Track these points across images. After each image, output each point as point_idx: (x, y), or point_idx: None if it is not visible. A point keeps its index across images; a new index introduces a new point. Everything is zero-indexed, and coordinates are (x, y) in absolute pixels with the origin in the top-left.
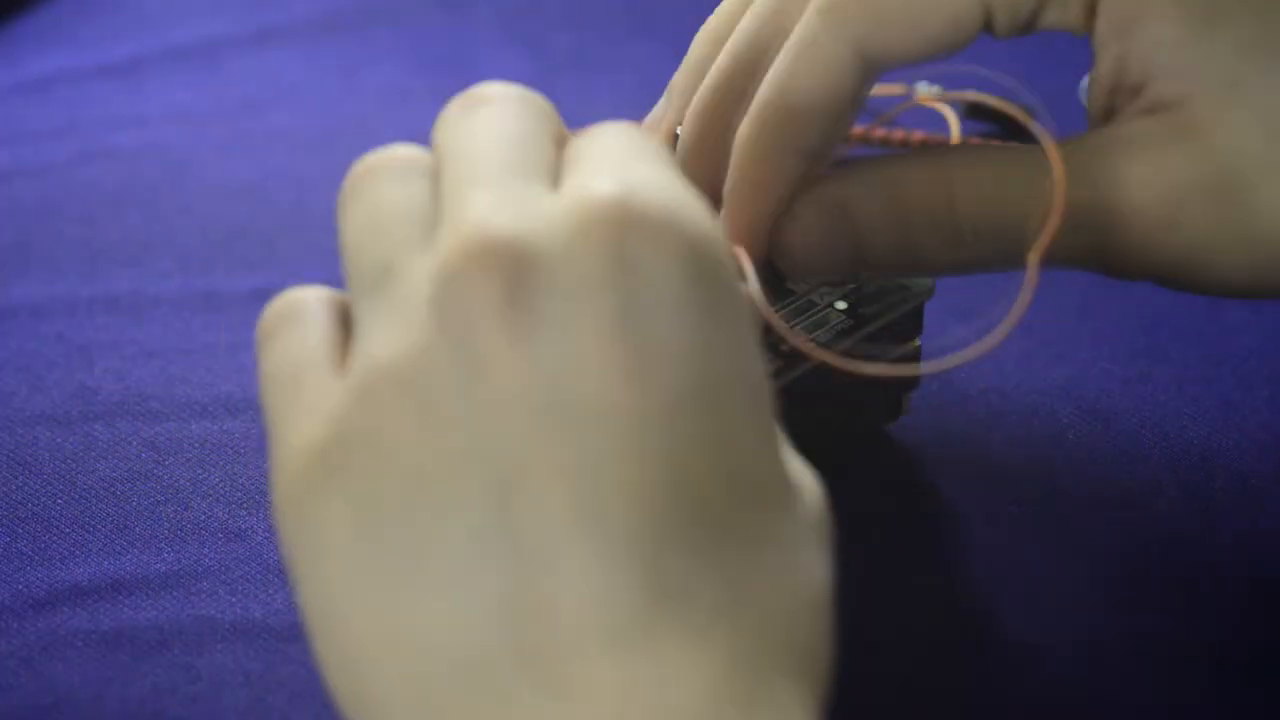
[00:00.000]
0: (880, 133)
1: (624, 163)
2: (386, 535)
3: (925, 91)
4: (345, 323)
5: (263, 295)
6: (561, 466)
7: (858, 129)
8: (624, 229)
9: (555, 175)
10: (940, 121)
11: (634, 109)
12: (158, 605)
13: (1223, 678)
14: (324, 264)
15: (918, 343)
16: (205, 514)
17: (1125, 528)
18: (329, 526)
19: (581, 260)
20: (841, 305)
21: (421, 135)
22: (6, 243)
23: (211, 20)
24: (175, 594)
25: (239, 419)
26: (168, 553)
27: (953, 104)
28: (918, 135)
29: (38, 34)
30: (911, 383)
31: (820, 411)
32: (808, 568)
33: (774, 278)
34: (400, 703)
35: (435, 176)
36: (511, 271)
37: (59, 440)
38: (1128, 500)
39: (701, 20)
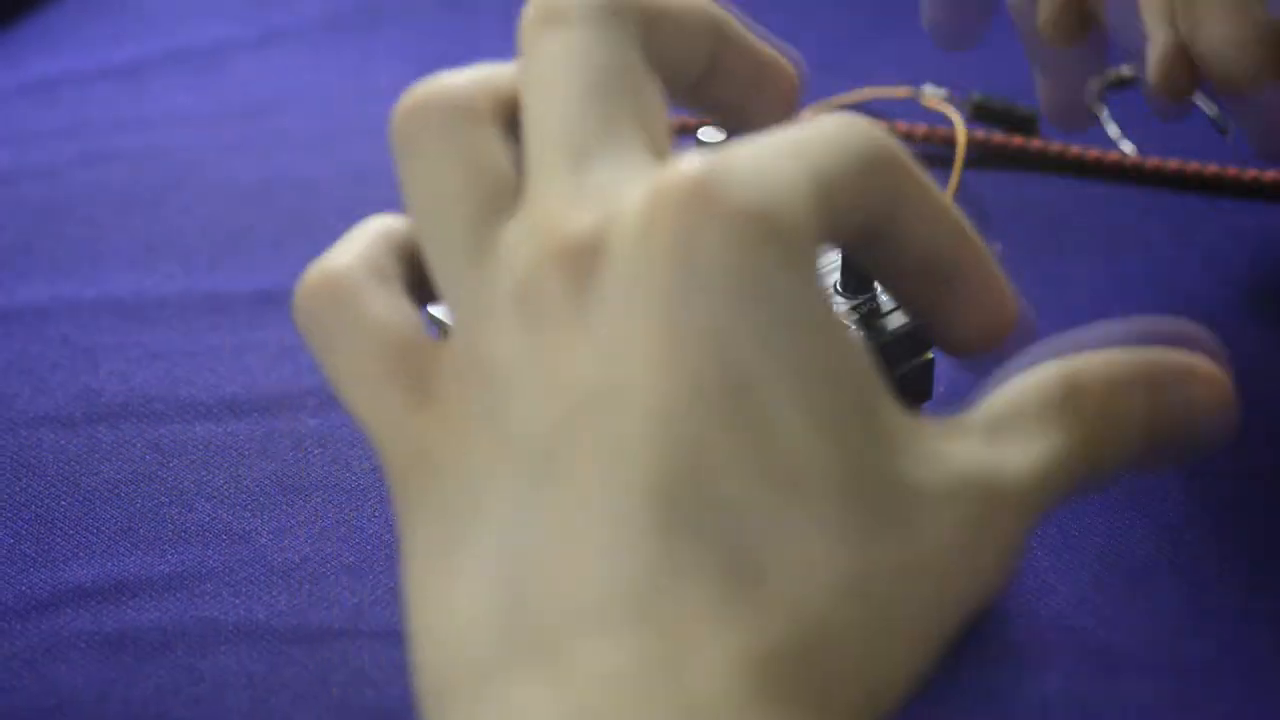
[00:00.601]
0: (884, 127)
1: (751, 144)
2: (451, 523)
3: (931, 93)
4: (407, 263)
5: (267, 297)
6: (591, 454)
7: None
8: (683, 216)
9: (645, 122)
10: (944, 121)
11: None
12: (161, 607)
13: (1224, 678)
14: None
15: (931, 355)
16: (209, 516)
17: (1128, 529)
18: (419, 512)
19: (643, 249)
20: (854, 316)
21: None
22: (10, 244)
23: (216, 21)
24: (178, 595)
25: (243, 421)
26: (171, 554)
27: (957, 106)
28: (920, 129)
29: (42, 35)
30: (923, 395)
31: None
32: (837, 561)
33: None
34: (430, 686)
35: (511, 114)
36: (584, 266)
37: (63, 442)
38: (1131, 501)
39: None
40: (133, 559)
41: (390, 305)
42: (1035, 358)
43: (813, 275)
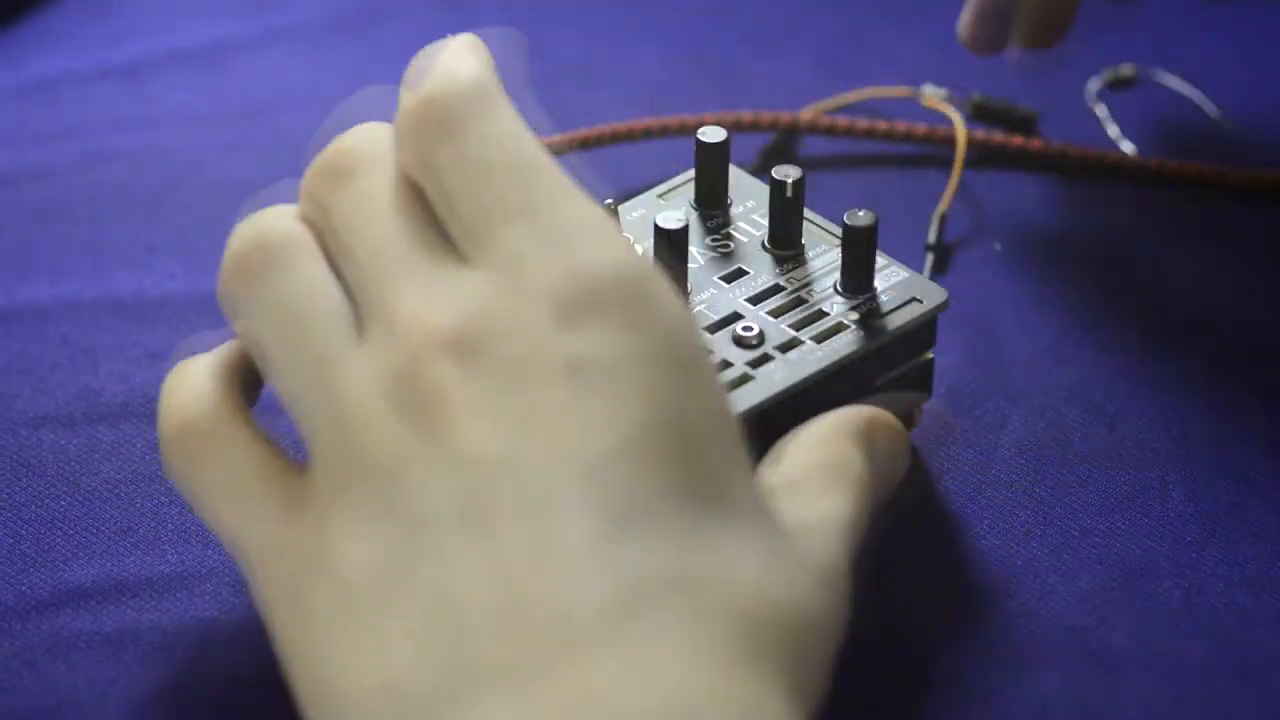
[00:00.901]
0: (884, 126)
1: (545, 214)
2: (364, 598)
3: (931, 93)
4: (245, 382)
5: None
6: (520, 505)
7: (862, 124)
8: (570, 293)
9: (441, 235)
10: (944, 121)
11: (638, 112)
12: (161, 607)
13: (1224, 678)
14: None
15: (931, 355)
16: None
17: (1131, 530)
18: (295, 610)
19: (530, 324)
20: (854, 316)
21: None
22: (10, 245)
23: (217, 21)
24: (179, 596)
25: None
26: (171, 554)
27: (957, 106)
28: (920, 129)
29: (42, 35)
30: (923, 395)
31: None
32: (794, 591)
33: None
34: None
35: (331, 258)
36: (461, 354)
37: (63, 442)
38: (1134, 503)
39: (708, 26)
40: (133, 559)
41: (250, 436)
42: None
43: (681, 311)
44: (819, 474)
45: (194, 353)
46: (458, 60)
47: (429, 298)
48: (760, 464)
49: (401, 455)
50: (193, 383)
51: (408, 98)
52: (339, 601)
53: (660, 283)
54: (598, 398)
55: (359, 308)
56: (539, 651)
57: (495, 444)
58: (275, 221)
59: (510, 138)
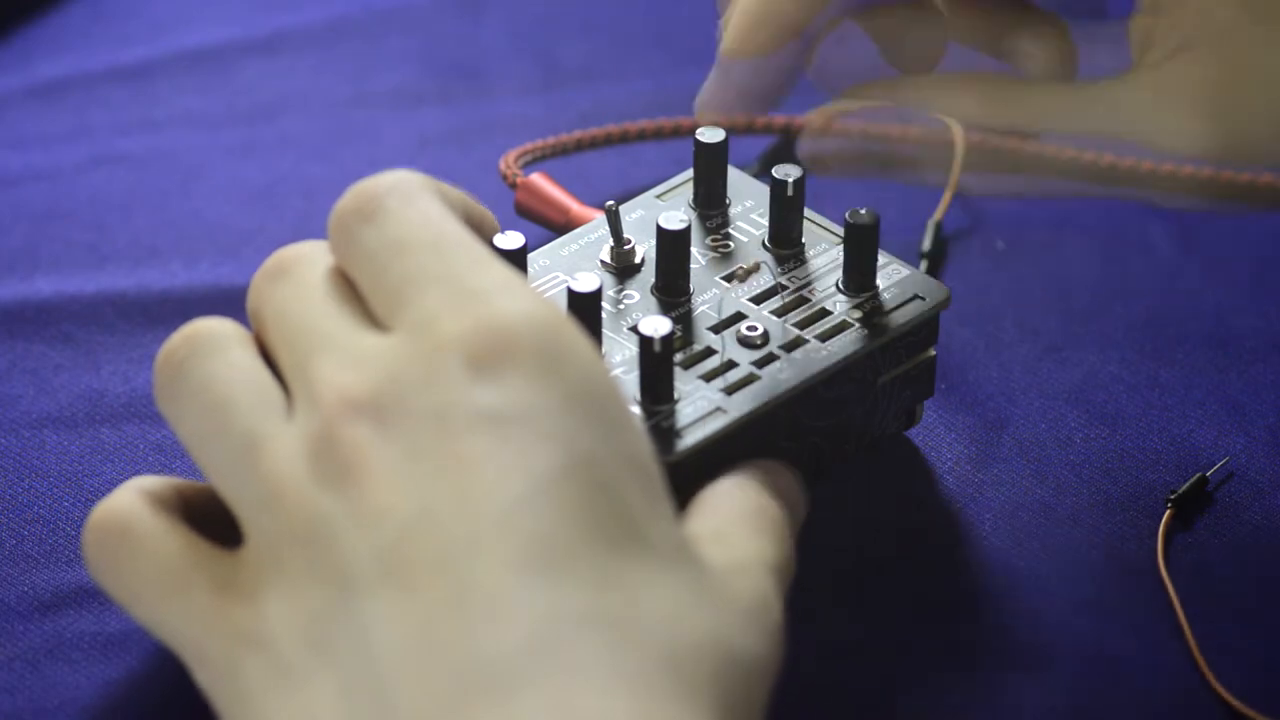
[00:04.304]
0: (879, 129)
1: (460, 278)
2: (291, 663)
3: None
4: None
5: None
6: (439, 554)
7: (858, 124)
8: (481, 345)
9: (367, 314)
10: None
11: (641, 116)
12: None
13: (1224, 678)
14: None
15: (933, 352)
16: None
17: (1133, 531)
18: (234, 690)
19: (442, 378)
20: (856, 315)
21: (429, 139)
22: (16, 246)
23: (223, 25)
24: None
25: None
26: None
27: None
28: (914, 130)
29: (50, 38)
30: (925, 392)
31: (837, 421)
32: (723, 629)
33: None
34: None
35: (260, 346)
36: (377, 415)
37: (66, 443)
38: (1135, 503)
39: (713, 30)
40: None
41: (174, 526)
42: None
43: (595, 359)
44: (742, 520)
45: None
46: (389, 171)
47: (345, 367)
48: (680, 516)
49: (324, 519)
50: (120, 491)
51: (340, 200)
52: (272, 674)
53: (573, 331)
54: (512, 445)
55: (289, 390)
56: (459, 698)
57: (411, 499)
58: (206, 321)
59: (428, 218)
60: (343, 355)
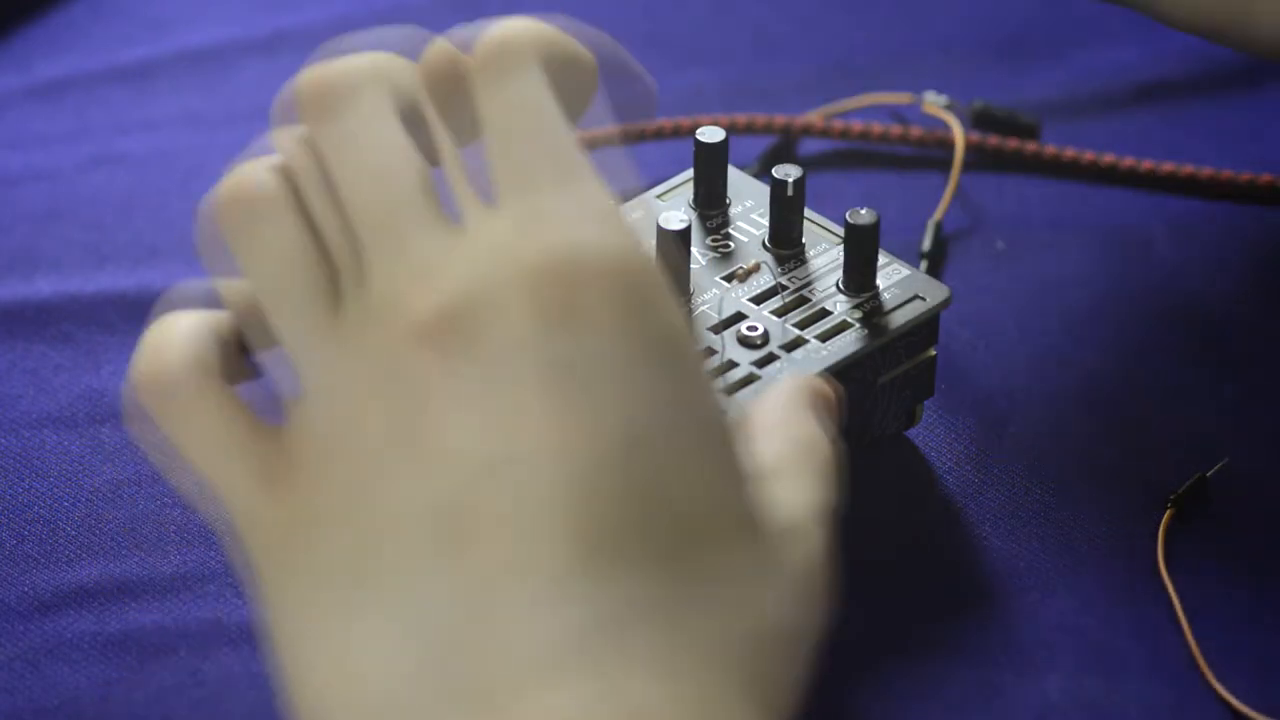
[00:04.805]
0: (878, 129)
1: (548, 190)
2: (341, 588)
3: (932, 100)
4: (233, 341)
5: None
6: (501, 516)
7: (859, 124)
8: (555, 280)
9: (435, 198)
10: (946, 128)
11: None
12: (164, 608)
13: (1224, 678)
14: None
15: (933, 352)
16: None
17: (1133, 531)
18: (290, 581)
19: (513, 316)
20: (857, 315)
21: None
22: (15, 246)
23: (223, 25)
24: (181, 597)
25: None
26: (174, 555)
27: (957, 113)
28: (915, 132)
29: (50, 38)
30: (925, 392)
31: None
32: (772, 605)
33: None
34: None
35: (326, 201)
36: (444, 343)
37: (65, 443)
38: (1137, 504)
39: (714, 31)
40: (135, 560)
41: (223, 395)
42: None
43: (675, 310)
44: (792, 458)
45: (178, 306)
46: (514, 20)
47: (416, 276)
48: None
49: (377, 447)
50: (173, 336)
51: (486, 33)
52: (311, 586)
53: (658, 278)
54: (585, 401)
55: (345, 263)
56: (512, 676)
57: (474, 445)
58: (256, 174)
59: (551, 100)
60: (415, 255)
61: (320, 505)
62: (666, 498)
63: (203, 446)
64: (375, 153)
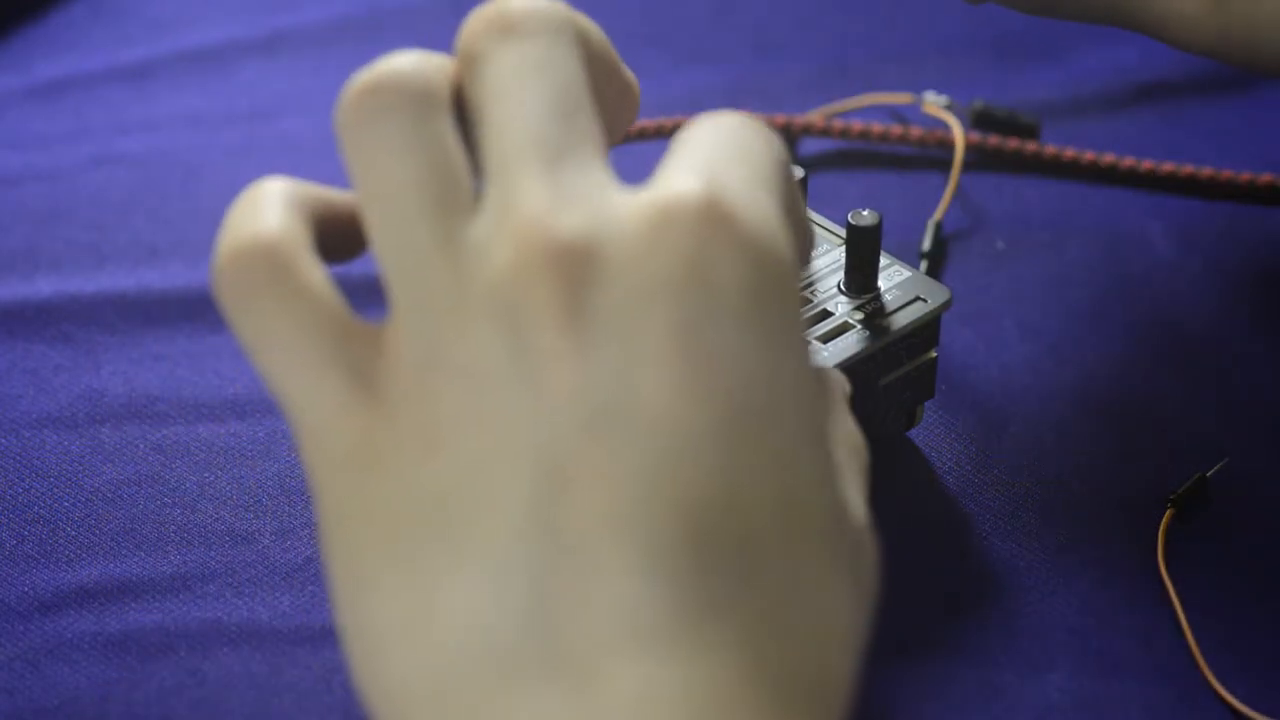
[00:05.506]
0: (878, 129)
1: (718, 161)
2: (423, 525)
3: (932, 100)
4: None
5: None
6: (610, 472)
7: (859, 124)
8: (700, 237)
9: (598, 136)
10: (946, 127)
11: (641, 116)
12: (164, 608)
13: (1224, 678)
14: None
15: (934, 353)
16: (212, 517)
17: (1133, 531)
18: (365, 513)
19: (651, 265)
20: (859, 316)
21: None
22: (16, 246)
23: (223, 25)
24: (181, 597)
25: (246, 421)
26: (174, 555)
27: (957, 113)
28: (915, 132)
29: (50, 39)
30: (925, 393)
31: None
32: (844, 609)
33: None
34: (420, 693)
35: (466, 117)
36: (577, 274)
37: (65, 443)
38: (1137, 504)
39: (714, 31)
40: (135, 560)
41: (325, 280)
42: None
43: (799, 303)
44: (847, 460)
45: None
46: None
47: (561, 200)
48: None
49: (486, 371)
50: (264, 206)
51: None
52: (387, 522)
53: (794, 269)
54: (708, 369)
55: (485, 175)
56: (606, 643)
57: (590, 388)
58: (419, 63)
59: None
60: (565, 186)
61: (410, 427)
62: (773, 482)
63: (281, 333)
64: (550, 84)
